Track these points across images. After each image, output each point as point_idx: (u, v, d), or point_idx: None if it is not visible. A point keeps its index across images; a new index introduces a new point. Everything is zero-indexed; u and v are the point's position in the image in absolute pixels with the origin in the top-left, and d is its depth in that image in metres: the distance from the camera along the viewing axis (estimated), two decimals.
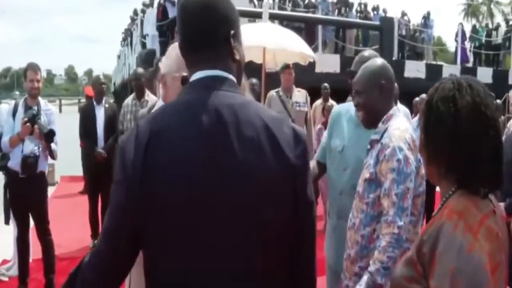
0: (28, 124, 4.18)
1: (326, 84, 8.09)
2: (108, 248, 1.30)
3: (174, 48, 2.10)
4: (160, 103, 2.21)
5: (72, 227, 6.47)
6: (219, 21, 1.35)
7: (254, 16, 8.96)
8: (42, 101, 4.49)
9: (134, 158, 1.25)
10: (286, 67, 6.06)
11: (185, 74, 2.04)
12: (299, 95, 6.12)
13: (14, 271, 4.77)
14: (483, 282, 1.18)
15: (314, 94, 7.16)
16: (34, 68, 4.37)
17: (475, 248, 1.19)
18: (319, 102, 7.94)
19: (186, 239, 1.25)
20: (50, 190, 5.21)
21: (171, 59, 2.12)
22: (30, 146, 4.29)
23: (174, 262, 1.26)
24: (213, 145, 1.25)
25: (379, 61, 2.40)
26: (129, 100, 5.90)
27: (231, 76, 1.36)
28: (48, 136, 4.22)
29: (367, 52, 2.84)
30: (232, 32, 1.37)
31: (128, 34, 20.51)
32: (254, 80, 5.34)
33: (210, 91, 1.31)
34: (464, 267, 1.18)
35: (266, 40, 5.89)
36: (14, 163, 4.30)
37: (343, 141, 2.65)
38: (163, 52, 13.48)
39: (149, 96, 5.69)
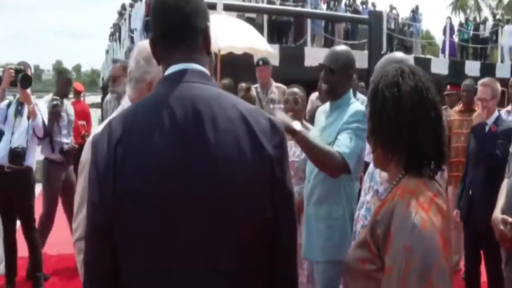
0: (12, 71, 4.18)
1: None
2: (92, 252, 1.27)
3: None
4: (126, 102, 2.08)
5: (60, 224, 6.40)
6: (193, 13, 1.33)
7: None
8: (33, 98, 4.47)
9: (106, 155, 1.23)
10: (257, 64, 5.90)
11: None
12: (277, 92, 5.85)
13: (1, 270, 4.72)
14: (435, 258, 1.23)
15: (304, 87, 7.14)
16: (24, 64, 4.38)
17: (427, 225, 1.25)
18: (314, 96, 7.89)
19: (158, 238, 1.22)
20: (38, 187, 5.15)
21: None
22: (19, 140, 4.28)
23: (146, 261, 1.23)
24: (188, 139, 1.22)
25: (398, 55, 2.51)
26: (111, 96, 5.69)
27: (204, 69, 1.34)
28: (23, 81, 4.15)
29: (339, 47, 2.96)
30: (207, 24, 1.35)
31: (116, 29, 20.34)
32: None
33: (184, 84, 1.28)
34: (417, 245, 1.23)
35: (218, 40, 5.46)
36: (0, 157, 4.25)
37: (316, 133, 2.80)
38: None
39: None
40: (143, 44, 2.07)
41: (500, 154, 3.88)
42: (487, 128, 4.11)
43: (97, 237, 1.26)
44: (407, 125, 1.36)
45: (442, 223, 1.29)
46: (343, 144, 2.46)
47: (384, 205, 1.34)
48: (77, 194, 2.02)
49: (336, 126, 2.61)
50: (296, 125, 2.42)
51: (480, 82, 4.28)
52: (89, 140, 1.99)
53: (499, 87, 4.24)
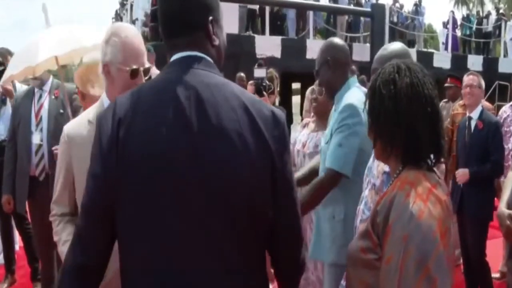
0: None
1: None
2: (87, 222, 1.27)
3: (116, 35, 1.89)
4: (104, 96, 1.99)
5: None
6: (196, 7, 1.32)
7: None
8: (18, 84, 4.45)
9: (110, 132, 1.23)
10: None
11: (135, 67, 1.91)
12: None
13: (0, 260, 4.71)
14: (432, 246, 1.26)
15: (305, 80, 7.12)
16: (3, 54, 4.36)
17: (425, 215, 1.28)
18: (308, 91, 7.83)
19: (156, 223, 1.21)
20: None
21: (116, 48, 1.89)
22: (6, 131, 4.20)
23: (147, 255, 1.22)
24: (190, 125, 1.22)
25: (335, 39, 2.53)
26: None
27: (208, 57, 1.34)
28: None
29: (335, 38, 2.84)
30: (210, 18, 1.34)
31: (118, 19, 20.24)
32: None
33: (188, 70, 1.28)
34: (415, 234, 1.26)
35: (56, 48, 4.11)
36: None
37: (328, 130, 2.71)
38: (152, 37, 13.16)
39: None
40: (109, 27, 2.00)
41: (495, 153, 3.92)
42: (473, 125, 4.12)
43: (95, 208, 1.26)
44: (404, 120, 1.39)
45: (440, 212, 1.32)
46: (331, 156, 2.45)
47: (385, 196, 1.38)
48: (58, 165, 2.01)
49: (333, 124, 2.52)
50: None
51: (466, 74, 4.47)
52: (64, 127, 1.96)
53: (483, 82, 4.38)
